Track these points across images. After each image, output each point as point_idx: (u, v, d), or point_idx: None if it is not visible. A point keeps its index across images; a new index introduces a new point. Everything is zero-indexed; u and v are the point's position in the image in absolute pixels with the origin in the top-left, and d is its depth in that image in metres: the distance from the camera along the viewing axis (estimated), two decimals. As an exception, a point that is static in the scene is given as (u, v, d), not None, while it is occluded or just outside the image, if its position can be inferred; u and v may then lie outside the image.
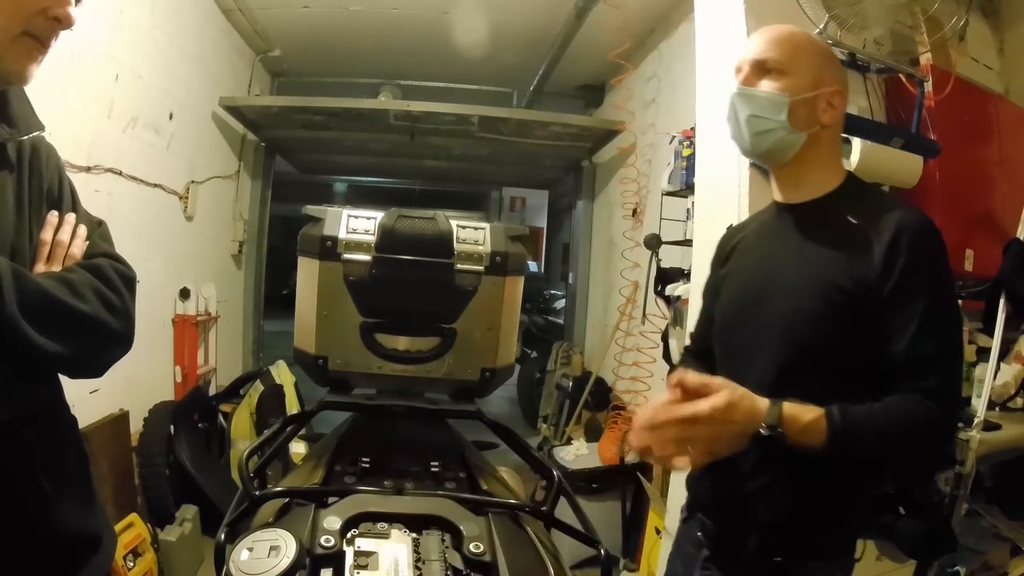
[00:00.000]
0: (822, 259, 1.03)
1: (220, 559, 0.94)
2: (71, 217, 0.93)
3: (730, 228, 1.31)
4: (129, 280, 0.94)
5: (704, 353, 1.24)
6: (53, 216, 0.91)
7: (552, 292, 7.55)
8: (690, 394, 0.95)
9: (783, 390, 0.97)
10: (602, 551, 1.12)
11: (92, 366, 0.91)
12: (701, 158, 2.12)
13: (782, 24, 1.10)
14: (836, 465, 0.96)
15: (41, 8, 0.77)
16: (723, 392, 0.92)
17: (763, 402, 0.94)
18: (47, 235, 0.89)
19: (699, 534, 1.16)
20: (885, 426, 0.91)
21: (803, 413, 0.92)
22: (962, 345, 1.02)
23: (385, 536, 0.96)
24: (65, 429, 0.96)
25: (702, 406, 0.91)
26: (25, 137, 0.89)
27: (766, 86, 1.06)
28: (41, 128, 0.92)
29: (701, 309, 1.30)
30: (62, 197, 0.95)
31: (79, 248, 0.92)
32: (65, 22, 0.80)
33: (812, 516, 1.03)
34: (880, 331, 0.95)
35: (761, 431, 0.92)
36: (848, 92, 1.10)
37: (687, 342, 1.35)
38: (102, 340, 0.88)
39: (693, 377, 0.96)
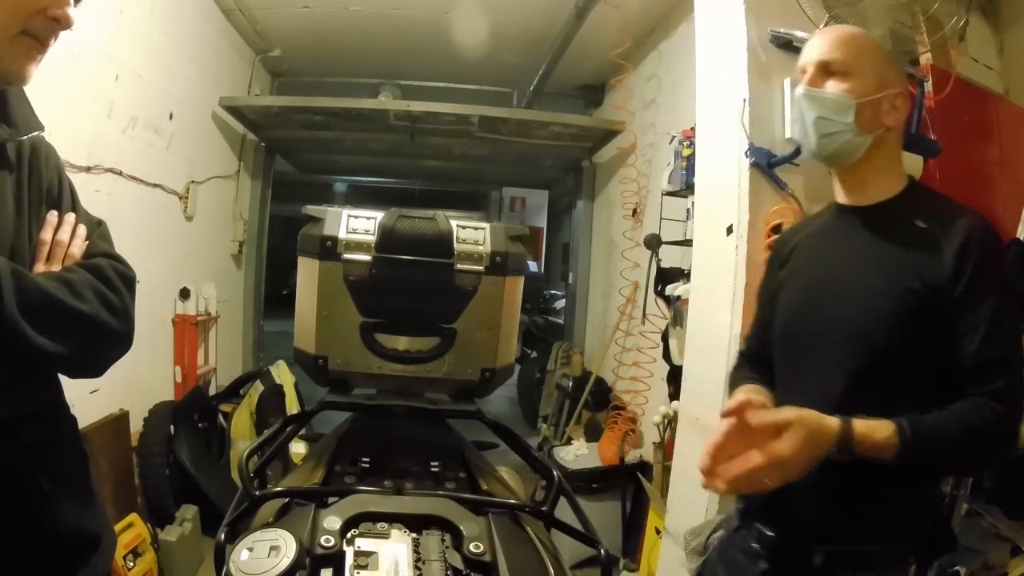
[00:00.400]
0: (891, 262, 1.02)
1: (220, 559, 0.94)
2: (71, 217, 0.93)
3: (786, 230, 1.29)
4: (129, 280, 0.94)
5: (759, 357, 1.22)
6: (53, 216, 0.91)
7: (552, 292, 7.54)
8: (751, 426, 0.93)
9: (851, 396, 0.98)
10: (602, 551, 1.12)
11: (92, 366, 0.91)
12: (701, 158, 2.12)
13: (845, 26, 1.12)
14: (909, 472, 0.96)
15: (40, 8, 0.77)
16: (797, 428, 0.91)
17: (833, 425, 0.92)
18: (47, 235, 0.89)
19: (755, 545, 1.12)
20: (954, 433, 0.92)
21: (873, 432, 0.92)
22: (1022, 346, 1.01)
23: (385, 536, 0.96)
24: (65, 429, 0.96)
25: (782, 450, 0.90)
26: (25, 137, 0.89)
27: (832, 87, 1.06)
28: (41, 128, 0.92)
29: (756, 313, 1.28)
30: (62, 197, 0.95)
31: (79, 248, 0.92)
32: (64, 22, 0.79)
33: (880, 527, 1.01)
34: (948, 333, 0.96)
35: (833, 453, 0.92)
36: (908, 95, 1.10)
37: (741, 346, 1.32)
38: (102, 340, 0.88)
39: (761, 415, 0.94)
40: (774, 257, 1.26)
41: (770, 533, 1.10)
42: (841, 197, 1.14)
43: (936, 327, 0.97)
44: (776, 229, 1.80)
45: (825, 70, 1.07)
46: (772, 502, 1.08)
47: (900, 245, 1.03)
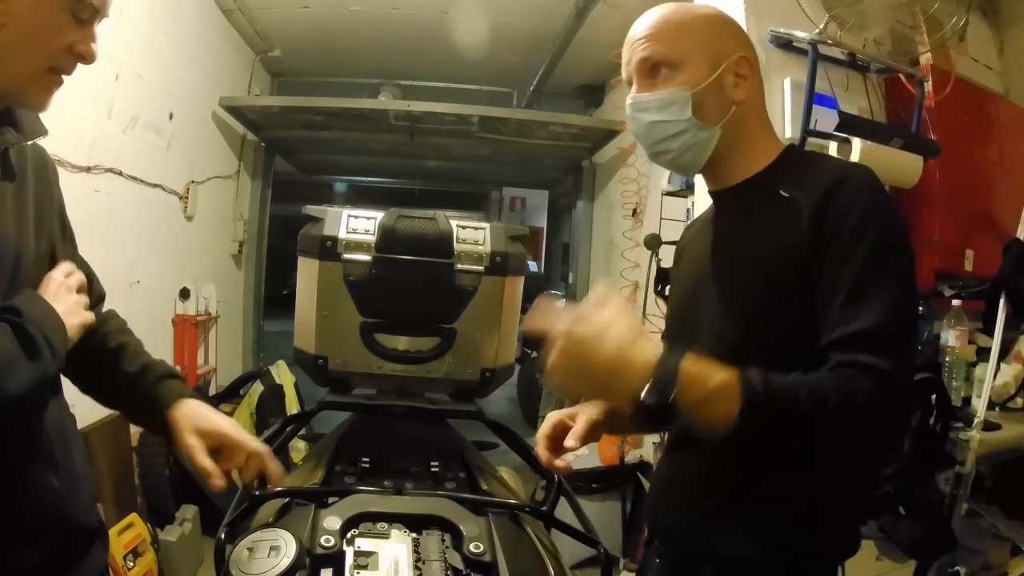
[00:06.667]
0: (748, 249, 0.89)
1: (220, 559, 0.94)
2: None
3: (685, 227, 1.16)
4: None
5: None
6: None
7: (552, 292, 7.54)
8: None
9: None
10: (602, 551, 1.12)
11: None
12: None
13: (657, 8, 0.92)
14: (802, 478, 0.81)
15: (67, 44, 0.79)
16: (605, 310, 0.75)
17: (654, 351, 0.73)
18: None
19: (656, 560, 1.03)
20: (819, 392, 0.72)
21: (710, 375, 0.73)
22: (914, 312, 0.85)
23: (385, 536, 0.96)
24: (69, 422, 0.96)
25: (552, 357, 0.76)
26: (29, 143, 0.89)
27: (662, 87, 0.88)
28: (45, 133, 0.92)
29: None
30: (64, 220, 0.98)
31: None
32: (88, 59, 0.82)
33: (779, 542, 0.85)
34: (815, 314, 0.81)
35: (643, 398, 0.71)
36: (755, 52, 0.92)
37: None
38: None
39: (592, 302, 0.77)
40: (674, 259, 1.14)
41: (665, 549, 1.01)
42: (708, 182, 0.98)
43: (807, 312, 0.80)
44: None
45: (650, 70, 0.89)
46: (665, 513, 1.00)
47: (758, 225, 0.88)
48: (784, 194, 0.85)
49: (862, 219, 0.79)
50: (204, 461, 0.89)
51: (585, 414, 0.98)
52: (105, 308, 1.05)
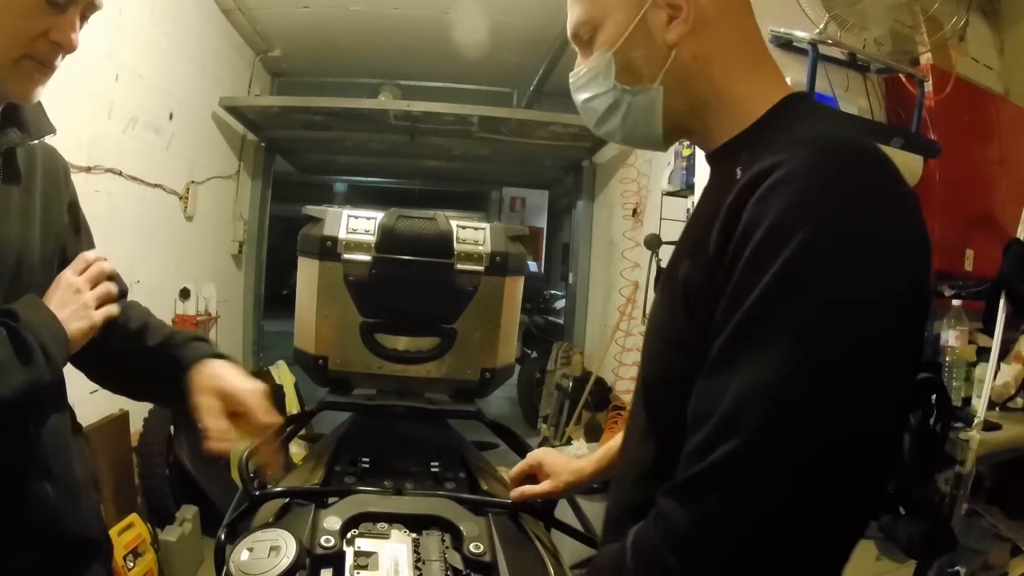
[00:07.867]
0: (682, 255, 0.68)
1: (220, 559, 0.94)
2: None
3: None
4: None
5: None
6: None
7: (552, 292, 7.55)
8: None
9: (652, 462, 0.65)
10: (602, 551, 1.12)
11: None
12: (701, 158, 2.12)
13: None
14: None
15: (42, 31, 0.76)
16: None
17: None
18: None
19: None
20: None
21: None
22: (823, 402, 0.49)
23: (385, 536, 0.96)
24: (74, 434, 0.95)
25: None
26: (35, 141, 0.88)
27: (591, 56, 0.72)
28: (52, 131, 0.90)
29: None
30: (79, 220, 0.98)
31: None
32: (67, 47, 0.78)
33: None
34: None
35: None
36: None
37: None
38: None
39: None
40: None
41: None
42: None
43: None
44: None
45: (582, 44, 0.74)
46: None
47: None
48: (739, 173, 0.59)
49: (769, 238, 0.51)
50: (210, 421, 0.84)
51: (550, 484, 1.09)
52: None
